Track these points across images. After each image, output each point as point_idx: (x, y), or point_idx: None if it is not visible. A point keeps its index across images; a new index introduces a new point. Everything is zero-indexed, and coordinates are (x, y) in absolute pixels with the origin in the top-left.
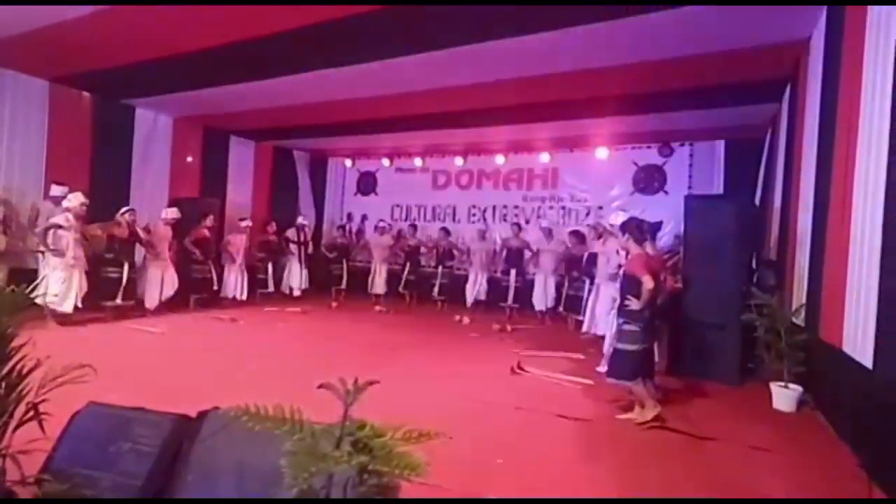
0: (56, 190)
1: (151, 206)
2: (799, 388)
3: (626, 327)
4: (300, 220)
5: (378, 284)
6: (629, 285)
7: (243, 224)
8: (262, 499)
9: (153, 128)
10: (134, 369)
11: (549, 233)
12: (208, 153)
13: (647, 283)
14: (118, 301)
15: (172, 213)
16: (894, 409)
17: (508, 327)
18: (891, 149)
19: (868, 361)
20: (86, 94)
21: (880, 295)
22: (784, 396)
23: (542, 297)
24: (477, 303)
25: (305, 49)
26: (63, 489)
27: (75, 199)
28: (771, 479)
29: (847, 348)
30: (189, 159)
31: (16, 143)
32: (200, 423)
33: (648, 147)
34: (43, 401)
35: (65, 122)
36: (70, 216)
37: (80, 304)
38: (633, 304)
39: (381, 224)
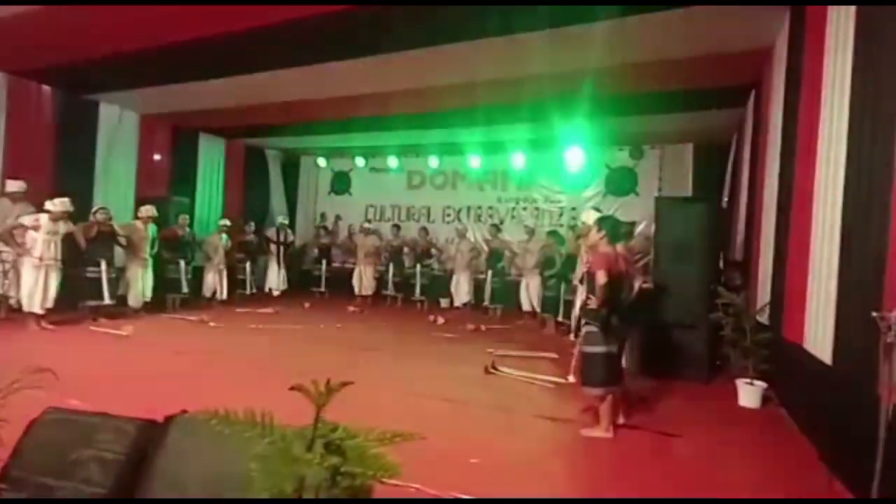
0: (12, 185)
1: (118, 204)
2: (763, 385)
3: (587, 328)
4: (280, 219)
5: (365, 286)
6: (591, 283)
7: (221, 223)
8: (253, 499)
9: (118, 124)
10: (98, 373)
11: (532, 232)
12: (177, 151)
13: (600, 278)
14: (104, 301)
15: (148, 210)
16: (851, 403)
17: (483, 327)
18: (848, 154)
19: (828, 358)
20: (46, 87)
21: (839, 294)
22: (749, 393)
23: (527, 297)
24: (464, 304)
25: (277, 46)
26: (20, 498)
27: (61, 206)
28: (736, 472)
29: (808, 345)
30: (157, 157)
31: None
32: (167, 429)
33: (620, 149)
34: None
35: (25, 117)
36: (43, 217)
37: (51, 305)
38: (592, 303)
39: (367, 226)
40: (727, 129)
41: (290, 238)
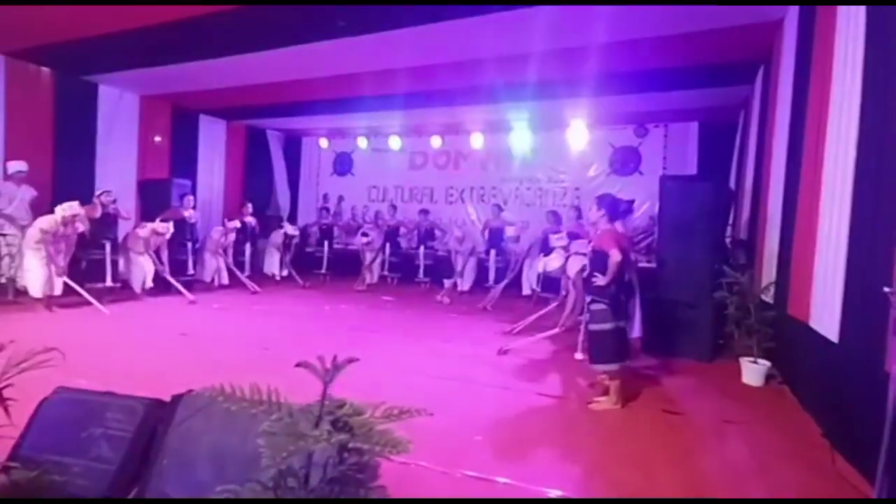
0: (14, 166)
1: (120, 186)
2: (767, 363)
3: (594, 306)
4: (290, 229)
5: (371, 276)
6: (597, 261)
7: (230, 224)
8: (254, 499)
9: (118, 106)
10: (105, 354)
11: (527, 225)
12: (177, 133)
13: (615, 255)
14: (108, 283)
15: (164, 227)
16: (857, 380)
17: (489, 307)
18: (860, 128)
19: (833, 336)
20: (45, 69)
21: (847, 271)
22: (753, 371)
23: (527, 278)
24: (468, 287)
25: (276, 24)
26: (31, 476)
27: (70, 211)
28: (738, 449)
29: (813, 323)
30: (157, 139)
31: None
32: (175, 407)
33: (624, 128)
34: (7, 386)
35: (24, 99)
36: (57, 219)
37: (58, 293)
38: (599, 280)
39: (366, 239)
40: (734, 106)
41: (297, 241)
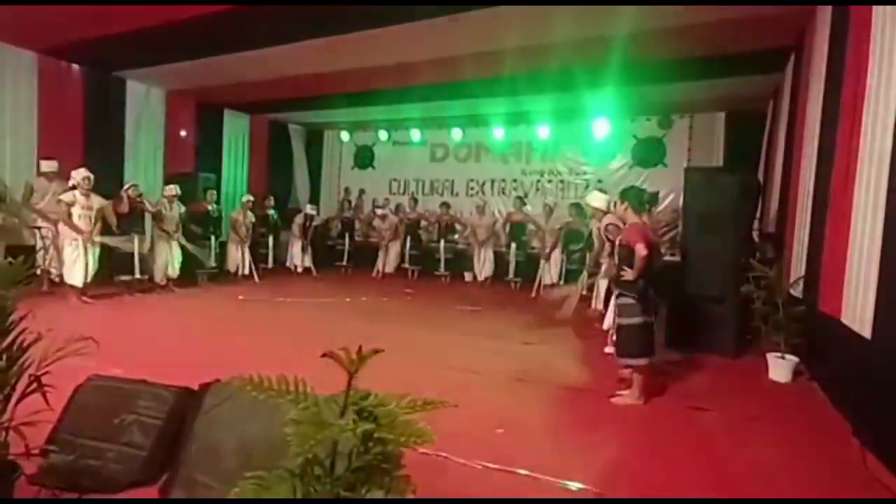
0: (45, 166)
1: (147, 181)
2: (795, 359)
3: (622, 300)
4: (309, 209)
5: (389, 264)
6: (625, 255)
7: (245, 199)
8: (258, 499)
9: (146, 101)
10: (136, 343)
11: (551, 211)
12: (203, 127)
13: (640, 250)
14: (136, 275)
15: (172, 189)
16: (890, 378)
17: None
18: None
19: (867, 332)
20: (75, 66)
21: (882, 264)
22: (780, 367)
23: (548, 272)
24: (486, 279)
25: (297, 17)
26: (68, 460)
27: (78, 176)
28: (765, 446)
29: (846, 319)
30: (183, 133)
31: (5, 118)
32: (203, 396)
33: (648, 119)
34: (45, 373)
35: (56, 95)
36: (77, 193)
37: (88, 280)
38: (628, 275)
39: (381, 211)
40: (763, 95)
41: (317, 223)
